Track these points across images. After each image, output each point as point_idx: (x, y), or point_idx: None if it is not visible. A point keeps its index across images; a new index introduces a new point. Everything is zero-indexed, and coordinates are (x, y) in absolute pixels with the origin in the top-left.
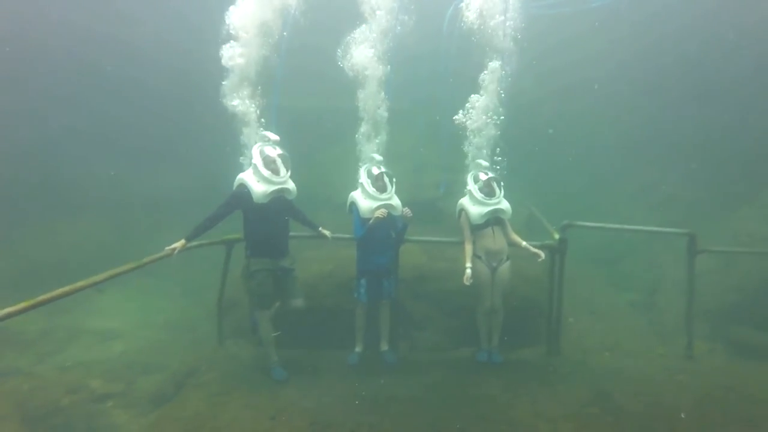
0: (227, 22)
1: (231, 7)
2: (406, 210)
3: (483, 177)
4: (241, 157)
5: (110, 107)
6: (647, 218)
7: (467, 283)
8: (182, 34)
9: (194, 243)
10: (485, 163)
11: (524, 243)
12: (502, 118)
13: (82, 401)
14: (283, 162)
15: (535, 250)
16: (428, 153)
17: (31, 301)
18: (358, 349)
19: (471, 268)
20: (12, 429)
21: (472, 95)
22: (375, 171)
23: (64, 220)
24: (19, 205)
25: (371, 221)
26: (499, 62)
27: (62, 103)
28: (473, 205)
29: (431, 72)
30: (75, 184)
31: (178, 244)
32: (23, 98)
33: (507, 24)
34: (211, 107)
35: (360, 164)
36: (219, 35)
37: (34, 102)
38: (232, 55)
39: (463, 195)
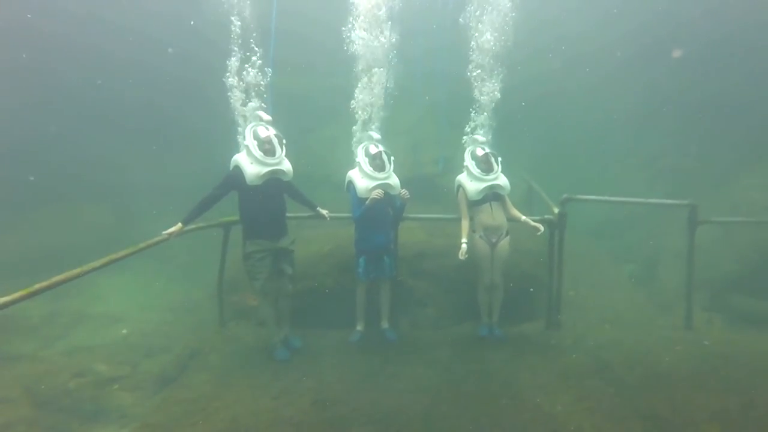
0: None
1: None
2: (404, 191)
3: (480, 152)
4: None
5: (115, 94)
6: (647, 189)
7: (462, 258)
8: (191, 18)
9: (191, 226)
10: (482, 139)
11: (524, 218)
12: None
13: (88, 384)
14: (278, 142)
15: (535, 224)
16: (427, 129)
17: (29, 290)
18: (359, 327)
19: (466, 243)
20: (22, 412)
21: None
22: (373, 150)
23: (68, 206)
24: (23, 191)
25: (368, 201)
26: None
27: (67, 91)
28: (470, 181)
29: (430, 47)
30: (79, 170)
31: (174, 229)
32: (29, 85)
33: None
34: (217, 93)
35: (356, 142)
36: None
37: (39, 89)
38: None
39: (462, 171)
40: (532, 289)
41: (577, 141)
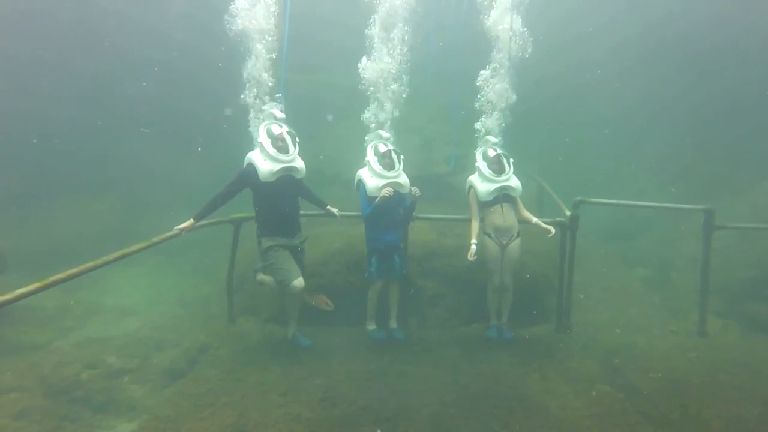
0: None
1: None
2: (415, 189)
3: (492, 153)
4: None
5: (135, 88)
6: (662, 191)
7: (471, 259)
8: (208, 17)
9: (203, 222)
10: (494, 139)
11: (535, 219)
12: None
13: (100, 376)
14: (291, 140)
15: (546, 226)
16: (438, 128)
17: (44, 281)
18: (371, 326)
19: (476, 244)
20: (36, 401)
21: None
22: (382, 148)
23: (82, 199)
24: (38, 183)
25: (378, 200)
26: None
27: (86, 84)
28: (482, 182)
29: (443, 45)
30: (94, 164)
31: (186, 224)
32: (47, 78)
33: None
34: (234, 91)
35: (366, 141)
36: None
37: (59, 82)
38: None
39: (473, 171)
40: (542, 291)
41: (588, 142)
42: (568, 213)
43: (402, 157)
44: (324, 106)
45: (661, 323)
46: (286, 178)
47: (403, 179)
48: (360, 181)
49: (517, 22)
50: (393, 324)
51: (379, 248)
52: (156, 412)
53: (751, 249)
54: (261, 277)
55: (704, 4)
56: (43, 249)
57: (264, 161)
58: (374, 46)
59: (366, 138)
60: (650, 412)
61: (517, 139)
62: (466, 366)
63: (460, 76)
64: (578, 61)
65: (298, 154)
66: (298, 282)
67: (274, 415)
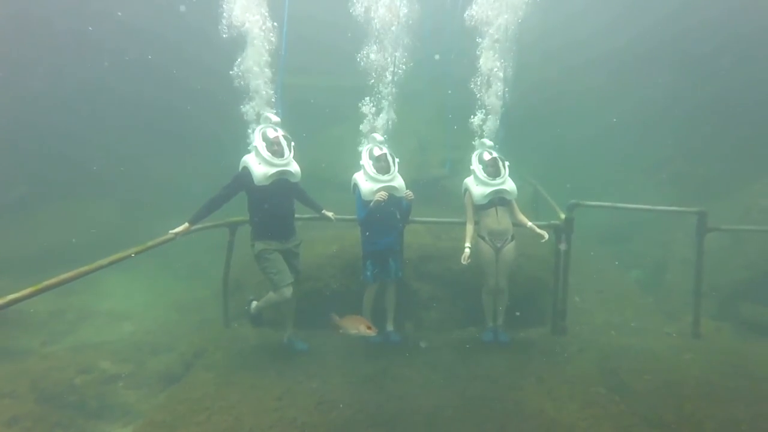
0: None
1: None
2: (408, 192)
3: (487, 157)
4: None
5: (132, 92)
6: (657, 194)
7: (465, 263)
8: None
9: (198, 226)
10: (490, 143)
11: (529, 223)
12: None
13: (94, 381)
14: (286, 144)
15: (540, 231)
16: (434, 131)
17: (38, 286)
18: None
19: (470, 247)
20: (28, 407)
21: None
22: (377, 152)
23: (79, 202)
24: (33, 187)
25: (372, 203)
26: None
27: (83, 88)
28: (477, 185)
29: (439, 49)
30: (89, 168)
31: (181, 228)
32: (42, 82)
33: None
34: (231, 94)
35: (361, 145)
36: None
37: (55, 86)
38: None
39: (469, 174)
40: (537, 294)
41: (584, 145)
42: (562, 216)
43: (397, 160)
44: (321, 109)
45: (656, 325)
46: (280, 181)
47: (398, 182)
48: (355, 185)
49: None
50: (389, 327)
51: (374, 251)
52: (151, 416)
53: (744, 251)
54: (255, 304)
55: (698, 9)
56: (36, 253)
57: (259, 165)
58: None
59: (362, 129)
60: (645, 413)
61: (513, 142)
62: (462, 369)
63: (457, 80)
64: (575, 65)
65: (294, 157)
66: (288, 289)
67: (269, 419)
